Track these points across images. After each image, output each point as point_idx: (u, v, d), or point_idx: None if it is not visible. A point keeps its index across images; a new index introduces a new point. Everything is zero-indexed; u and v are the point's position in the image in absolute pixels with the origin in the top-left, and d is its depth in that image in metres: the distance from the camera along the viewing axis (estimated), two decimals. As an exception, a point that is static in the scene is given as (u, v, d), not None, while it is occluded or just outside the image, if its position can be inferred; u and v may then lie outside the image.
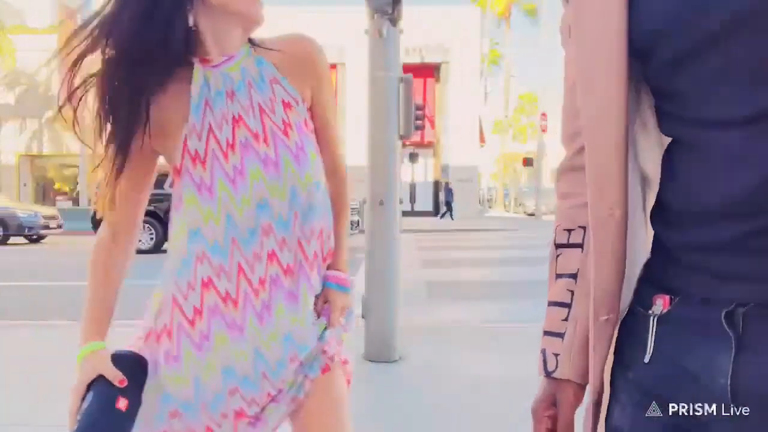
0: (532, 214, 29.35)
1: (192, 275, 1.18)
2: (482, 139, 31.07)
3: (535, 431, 0.87)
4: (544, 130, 27.68)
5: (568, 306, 0.86)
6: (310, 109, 1.26)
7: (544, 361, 0.87)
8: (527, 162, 32.30)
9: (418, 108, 11.69)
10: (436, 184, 25.57)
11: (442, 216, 24.32)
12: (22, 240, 15.19)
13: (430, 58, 24.48)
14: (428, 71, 24.64)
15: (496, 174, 46.59)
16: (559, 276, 0.88)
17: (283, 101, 1.20)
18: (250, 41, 1.23)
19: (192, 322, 1.18)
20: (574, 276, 0.86)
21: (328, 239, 1.26)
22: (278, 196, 1.16)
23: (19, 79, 25.82)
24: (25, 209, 15.80)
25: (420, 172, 25.98)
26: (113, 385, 1.08)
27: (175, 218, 1.22)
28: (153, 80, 1.14)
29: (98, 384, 1.08)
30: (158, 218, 12.14)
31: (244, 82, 1.19)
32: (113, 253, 1.24)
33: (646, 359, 0.75)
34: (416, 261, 9.93)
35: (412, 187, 25.44)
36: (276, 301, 1.18)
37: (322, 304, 1.28)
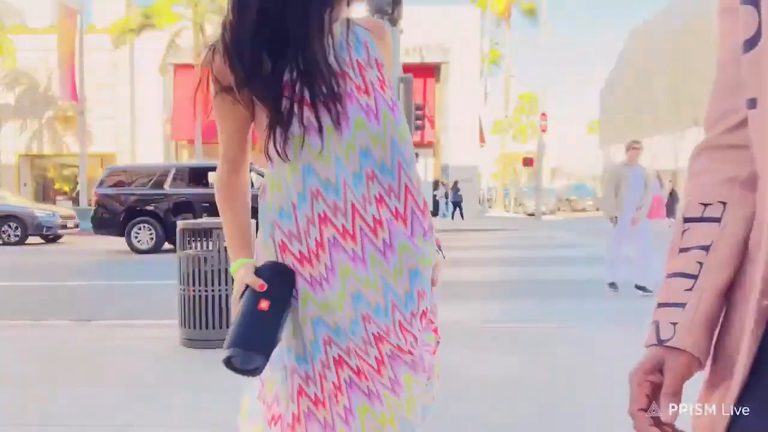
0: (532, 214, 29.27)
1: (310, 210, 1.25)
2: (482, 139, 31.03)
3: (632, 395, 0.81)
4: (544, 130, 27.58)
5: (695, 277, 0.81)
6: None
7: (657, 331, 0.81)
8: (527, 162, 32.24)
9: (418, 108, 11.70)
10: (436, 183, 25.53)
11: (456, 216, 24.04)
12: (38, 240, 15.18)
13: (430, 58, 24.48)
14: (428, 71, 24.61)
15: (496, 174, 46.48)
16: (683, 250, 0.84)
17: (376, 60, 1.31)
18: None
19: (317, 255, 1.26)
20: (705, 248, 0.81)
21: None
22: (380, 145, 1.25)
23: (19, 79, 25.83)
24: (43, 209, 15.84)
25: (420, 172, 25.79)
26: (256, 291, 1.25)
27: (284, 160, 1.27)
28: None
29: (247, 291, 1.27)
30: (158, 218, 11.95)
31: (345, 40, 1.30)
32: (235, 183, 1.38)
33: None
34: (416, 261, 9.90)
35: (412, 187, 25.26)
36: (397, 240, 1.27)
37: None
